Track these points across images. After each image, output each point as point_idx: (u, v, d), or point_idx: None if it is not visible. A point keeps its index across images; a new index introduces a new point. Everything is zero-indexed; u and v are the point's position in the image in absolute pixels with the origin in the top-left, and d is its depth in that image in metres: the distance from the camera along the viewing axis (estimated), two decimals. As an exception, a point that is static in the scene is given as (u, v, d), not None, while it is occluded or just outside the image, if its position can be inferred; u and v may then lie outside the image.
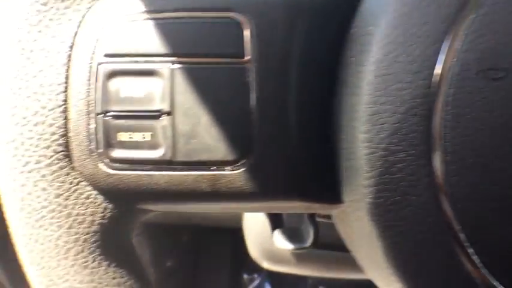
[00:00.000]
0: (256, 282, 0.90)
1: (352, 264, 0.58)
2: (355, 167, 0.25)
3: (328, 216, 0.52)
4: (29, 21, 0.27)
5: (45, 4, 0.27)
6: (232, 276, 0.89)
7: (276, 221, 0.56)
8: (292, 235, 0.52)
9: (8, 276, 0.70)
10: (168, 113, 0.27)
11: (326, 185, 0.28)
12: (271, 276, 0.89)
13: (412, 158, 0.23)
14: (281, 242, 0.51)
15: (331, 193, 0.28)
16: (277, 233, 0.53)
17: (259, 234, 0.59)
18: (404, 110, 0.23)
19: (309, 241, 0.50)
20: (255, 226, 0.59)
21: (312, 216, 0.51)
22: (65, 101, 0.27)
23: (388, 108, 0.23)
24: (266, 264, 0.62)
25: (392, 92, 0.23)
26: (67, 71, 0.27)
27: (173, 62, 0.27)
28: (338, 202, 0.28)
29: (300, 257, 0.58)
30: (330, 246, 0.55)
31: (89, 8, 0.28)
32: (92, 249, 0.28)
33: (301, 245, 0.50)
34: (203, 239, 0.87)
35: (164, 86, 0.27)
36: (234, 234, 0.86)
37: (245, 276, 0.90)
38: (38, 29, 0.27)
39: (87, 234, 0.28)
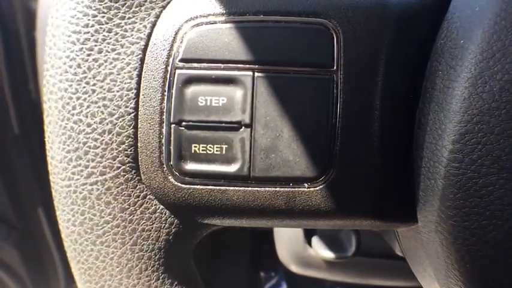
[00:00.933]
0: (273, 281, 0.89)
1: (389, 271, 0.57)
2: (438, 187, 0.23)
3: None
4: (97, 19, 0.25)
5: (116, 1, 0.25)
6: (249, 274, 0.88)
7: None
8: (332, 243, 0.50)
9: (29, 272, 0.68)
10: (248, 125, 0.25)
11: (403, 204, 0.26)
12: (288, 275, 0.87)
13: (503, 182, 0.22)
14: (321, 250, 0.50)
15: (407, 212, 0.26)
16: (316, 240, 0.51)
17: (291, 238, 0.57)
18: (499, 131, 0.22)
19: (351, 250, 0.48)
20: (287, 230, 0.58)
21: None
22: (136, 108, 0.25)
23: (481, 128, 0.22)
24: (295, 268, 0.61)
25: (487, 112, 0.22)
26: (139, 75, 0.25)
27: (256, 70, 0.25)
28: (412, 222, 0.26)
29: (332, 263, 0.56)
30: (368, 253, 0.54)
31: (164, 6, 0.25)
32: (155, 267, 0.26)
33: (342, 254, 0.48)
34: (222, 235, 0.86)
35: (245, 96, 0.25)
36: (253, 232, 0.85)
37: (262, 274, 0.89)
38: (107, 28, 0.25)
39: (152, 251, 0.26)
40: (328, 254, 0.48)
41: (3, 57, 0.66)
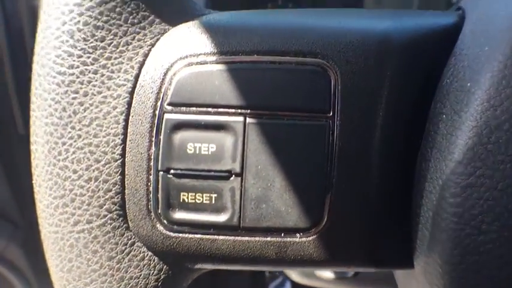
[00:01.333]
0: (278, 281, 0.88)
1: (391, 282, 0.56)
2: (436, 239, 0.22)
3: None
4: (83, 59, 0.23)
5: (102, 40, 0.23)
6: (253, 273, 0.88)
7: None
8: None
9: (33, 270, 0.69)
10: (238, 174, 0.24)
11: (398, 252, 0.25)
12: (293, 275, 0.87)
13: (502, 240, 0.21)
14: (321, 270, 0.49)
15: (403, 259, 0.25)
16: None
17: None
18: (503, 187, 0.20)
19: (351, 272, 0.47)
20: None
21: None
22: (123, 154, 0.24)
23: (485, 182, 0.20)
24: (295, 277, 0.61)
25: (492, 165, 0.20)
26: (126, 120, 0.24)
27: (247, 115, 0.23)
28: (408, 267, 0.25)
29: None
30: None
31: (152, 45, 0.24)
32: None
33: (342, 275, 0.48)
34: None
35: (235, 143, 0.23)
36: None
37: (267, 273, 0.89)
38: (93, 70, 0.23)
39: None
40: (328, 274, 0.48)
41: (8, 56, 0.65)
